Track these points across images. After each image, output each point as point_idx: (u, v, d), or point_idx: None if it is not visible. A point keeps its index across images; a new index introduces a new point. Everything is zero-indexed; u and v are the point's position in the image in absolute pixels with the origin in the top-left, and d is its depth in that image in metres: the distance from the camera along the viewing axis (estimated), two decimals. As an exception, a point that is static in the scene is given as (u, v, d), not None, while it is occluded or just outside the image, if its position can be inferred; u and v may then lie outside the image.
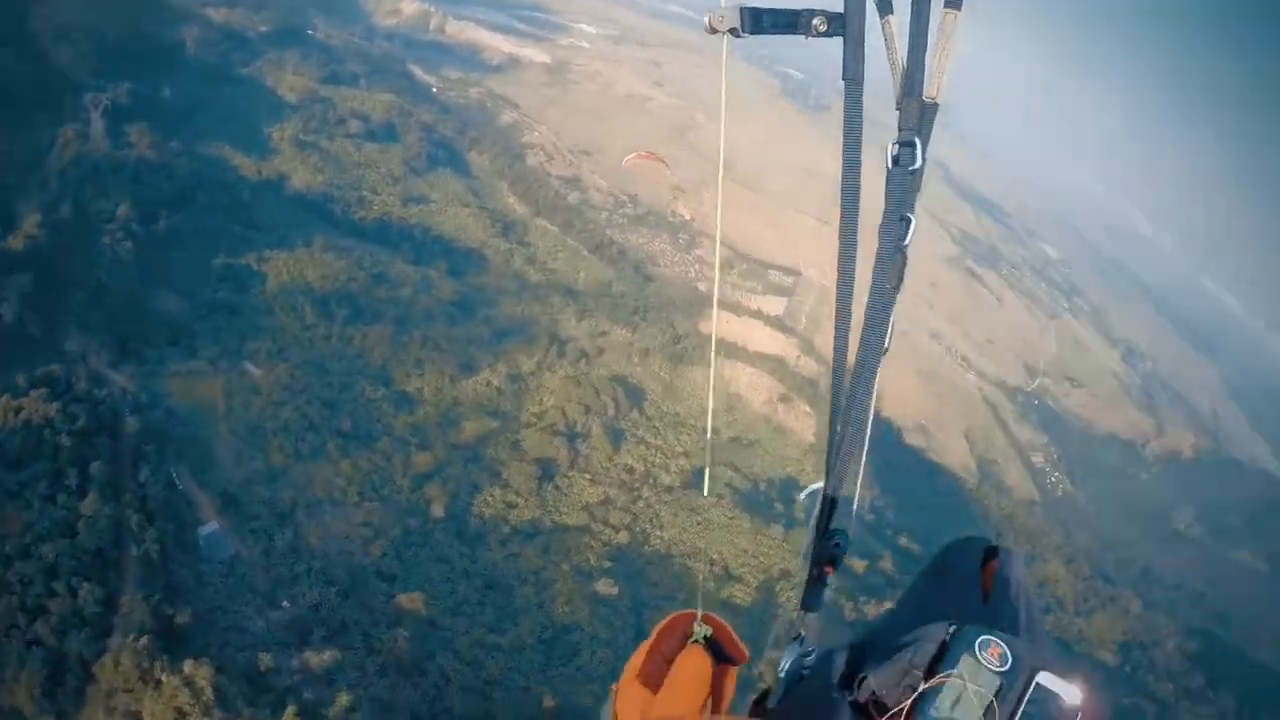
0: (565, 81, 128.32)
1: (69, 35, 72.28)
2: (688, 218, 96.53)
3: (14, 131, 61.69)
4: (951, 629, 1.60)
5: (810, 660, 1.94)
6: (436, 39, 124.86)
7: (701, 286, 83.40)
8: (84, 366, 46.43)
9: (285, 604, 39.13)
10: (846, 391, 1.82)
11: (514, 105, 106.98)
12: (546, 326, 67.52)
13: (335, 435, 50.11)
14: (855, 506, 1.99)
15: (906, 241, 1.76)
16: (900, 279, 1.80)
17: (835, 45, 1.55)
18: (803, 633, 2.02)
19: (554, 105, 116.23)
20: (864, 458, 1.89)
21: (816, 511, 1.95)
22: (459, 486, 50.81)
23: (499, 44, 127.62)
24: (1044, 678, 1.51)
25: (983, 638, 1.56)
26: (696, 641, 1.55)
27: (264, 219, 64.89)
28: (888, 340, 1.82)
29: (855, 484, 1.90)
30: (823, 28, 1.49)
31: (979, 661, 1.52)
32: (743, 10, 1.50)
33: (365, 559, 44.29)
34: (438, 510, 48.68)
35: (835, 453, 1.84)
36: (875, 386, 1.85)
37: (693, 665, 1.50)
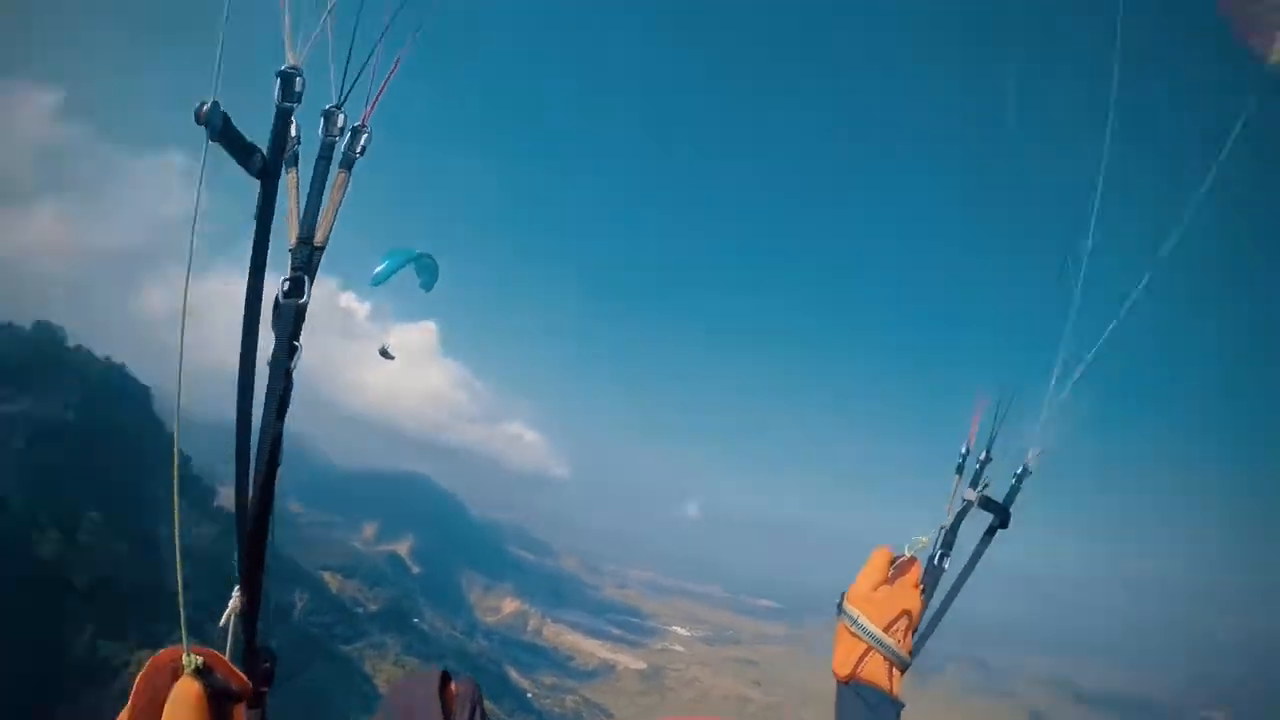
0: (662, 688, 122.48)
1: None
2: None
3: None
4: None
5: None
6: (534, 641, 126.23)
7: None
8: None
9: None
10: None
11: (609, 715, 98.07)
12: None
13: None
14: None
15: None
16: None
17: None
18: None
19: (650, 715, 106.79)
20: None
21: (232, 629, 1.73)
22: None
23: (594, 649, 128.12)
24: None
25: None
26: (188, 674, 1.26)
27: None
28: None
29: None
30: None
31: None
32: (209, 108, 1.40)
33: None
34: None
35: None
36: None
37: (186, 696, 1.22)
